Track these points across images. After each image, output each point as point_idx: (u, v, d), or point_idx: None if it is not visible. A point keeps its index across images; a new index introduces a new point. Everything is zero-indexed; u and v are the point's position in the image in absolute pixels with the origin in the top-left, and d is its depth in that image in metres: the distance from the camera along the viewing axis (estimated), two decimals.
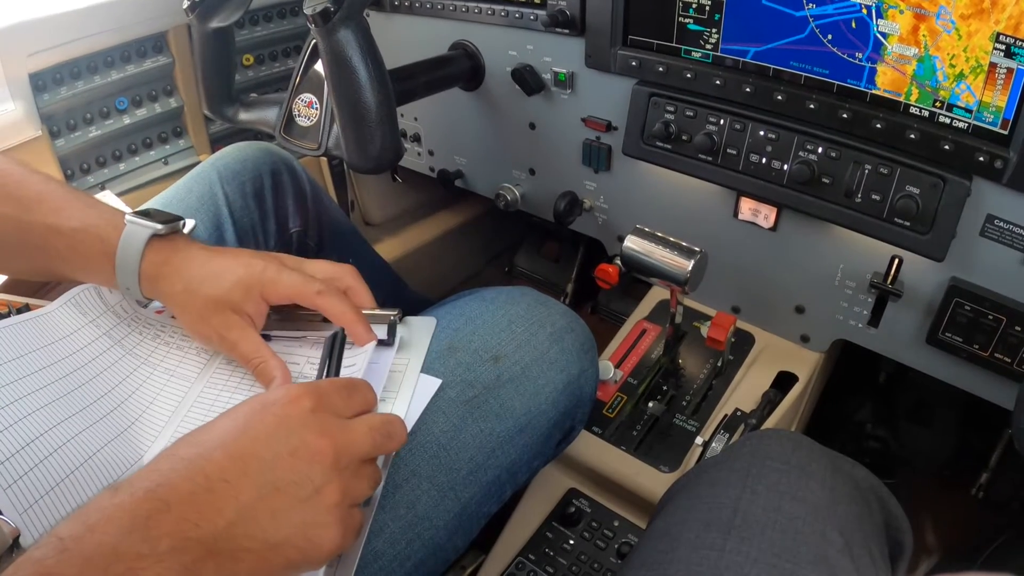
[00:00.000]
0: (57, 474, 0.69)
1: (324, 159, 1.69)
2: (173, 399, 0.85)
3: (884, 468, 1.41)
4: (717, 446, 1.05)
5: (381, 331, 0.84)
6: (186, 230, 0.90)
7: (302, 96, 1.08)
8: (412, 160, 1.60)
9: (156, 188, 1.35)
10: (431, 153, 1.55)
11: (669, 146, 1.09)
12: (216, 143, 1.55)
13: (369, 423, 0.65)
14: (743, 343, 1.23)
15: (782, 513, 0.69)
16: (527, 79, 1.21)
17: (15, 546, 0.63)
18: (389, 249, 1.75)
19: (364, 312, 0.85)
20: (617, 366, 1.20)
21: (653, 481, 1.08)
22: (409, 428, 0.77)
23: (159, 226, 0.84)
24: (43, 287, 0.97)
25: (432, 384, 0.83)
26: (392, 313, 0.86)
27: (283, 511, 0.57)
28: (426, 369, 0.85)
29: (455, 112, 1.41)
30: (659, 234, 1.01)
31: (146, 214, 0.85)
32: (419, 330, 0.89)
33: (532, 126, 1.30)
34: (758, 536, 0.67)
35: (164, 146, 1.52)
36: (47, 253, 0.85)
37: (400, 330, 0.87)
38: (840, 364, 1.21)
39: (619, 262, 1.20)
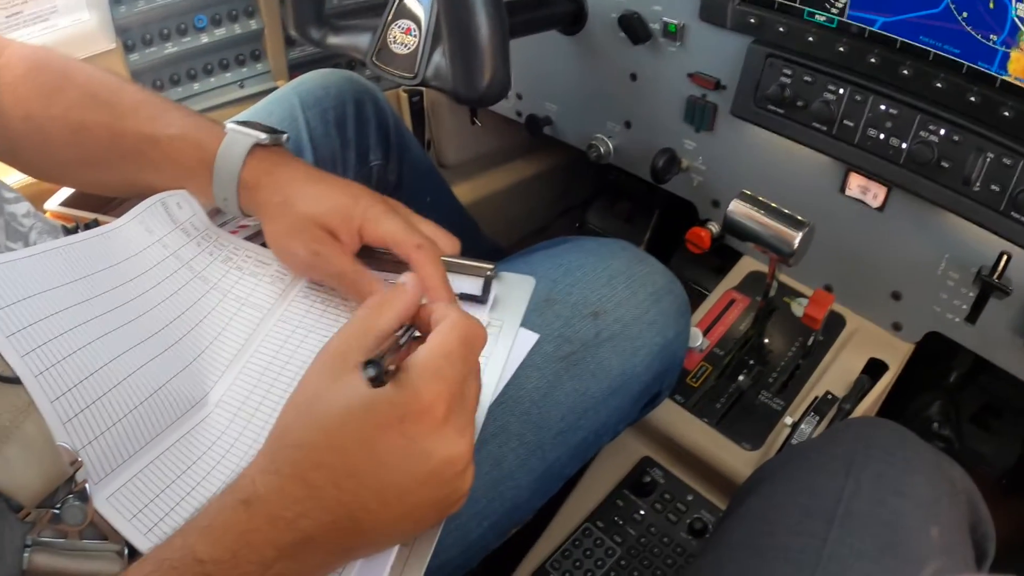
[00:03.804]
0: (120, 409, 0.70)
1: (404, 96, 1.74)
2: (243, 331, 0.85)
3: None
4: (806, 428, 1.09)
5: (475, 285, 0.85)
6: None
7: (399, 22, 1.09)
8: (499, 102, 1.61)
9: (229, 111, 1.40)
10: (519, 97, 1.58)
11: (782, 111, 1.11)
12: (294, 70, 1.60)
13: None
14: (833, 325, 1.27)
15: (887, 507, 0.71)
16: (635, 26, 1.23)
17: (72, 480, 0.65)
18: (460, 193, 1.78)
19: (459, 263, 0.86)
20: (704, 335, 1.25)
21: (734, 457, 1.14)
22: (503, 384, 0.80)
23: (263, 135, 0.87)
24: (108, 203, 1.00)
25: (529, 339, 0.85)
26: (488, 267, 0.86)
27: (425, 516, 0.60)
28: (523, 322, 0.85)
29: (550, 56, 1.44)
30: (767, 201, 1.05)
31: (246, 125, 0.88)
32: (516, 289, 0.88)
33: (633, 77, 1.33)
34: (861, 529, 0.69)
35: (241, 69, 1.58)
36: (139, 162, 0.88)
37: (495, 287, 0.87)
38: (912, 360, 1.25)
39: (712, 227, 1.25)
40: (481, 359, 0.77)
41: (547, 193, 2.11)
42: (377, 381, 0.54)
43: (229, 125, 0.88)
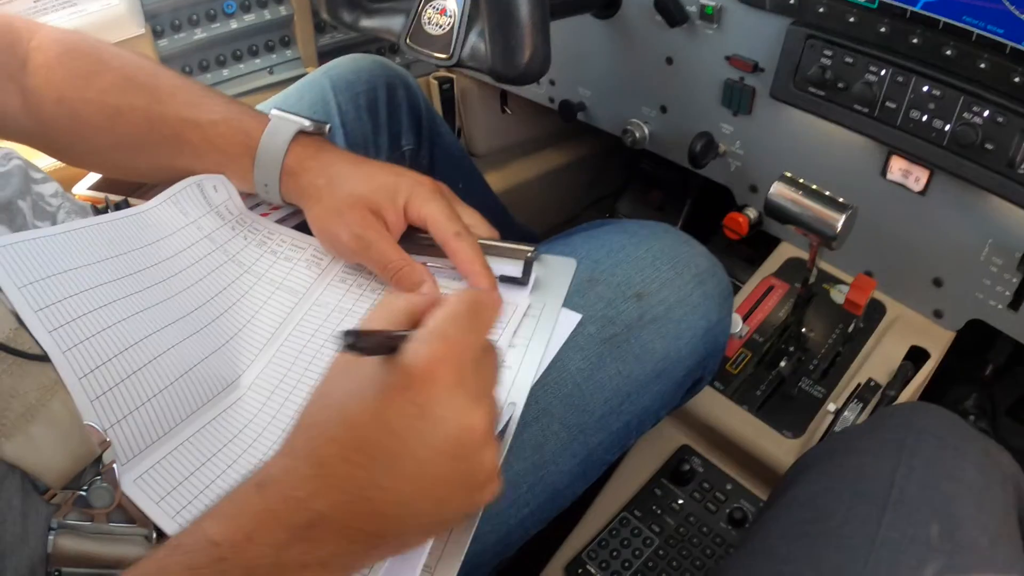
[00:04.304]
0: (151, 388, 0.70)
1: (434, 84, 1.75)
2: (277, 315, 0.86)
3: None
4: (850, 415, 1.09)
5: (516, 268, 0.86)
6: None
7: (434, 2, 1.09)
8: (531, 88, 1.63)
9: (259, 97, 1.41)
10: (552, 83, 1.58)
11: (823, 93, 1.11)
12: (324, 56, 1.61)
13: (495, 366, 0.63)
14: (873, 312, 1.27)
15: (939, 492, 0.71)
16: (671, 9, 1.23)
17: (99, 461, 0.66)
18: (490, 182, 1.79)
19: (499, 245, 0.87)
20: (743, 321, 1.25)
21: (775, 445, 1.14)
22: (545, 365, 0.80)
23: (307, 122, 0.88)
24: (138, 188, 1.00)
25: (572, 319, 0.85)
26: (529, 249, 0.87)
27: (447, 496, 0.57)
28: (565, 303, 0.85)
29: (584, 40, 1.44)
30: (808, 183, 1.04)
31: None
32: (557, 271, 0.88)
33: (669, 61, 1.33)
34: (914, 514, 0.69)
35: (270, 55, 1.59)
36: (177, 147, 0.89)
37: (536, 269, 0.87)
38: (948, 352, 1.24)
39: (750, 212, 1.25)
40: (522, 340, 0.79)
41: (578, 182, 2.11)
42: (354, 348, 0.52)
43: (274, 112, 0.90)
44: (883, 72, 1.05)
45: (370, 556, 0.58)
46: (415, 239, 0.87)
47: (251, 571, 0.51)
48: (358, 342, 0.52)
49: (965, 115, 0.99)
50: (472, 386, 0.57)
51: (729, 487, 1.18)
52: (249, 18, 1.53)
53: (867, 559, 0.66)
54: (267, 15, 1.54)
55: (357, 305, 0.87)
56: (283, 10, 1.56)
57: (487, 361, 0.61)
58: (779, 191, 1.05)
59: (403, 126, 1.23)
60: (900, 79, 1.03)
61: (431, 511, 0.57)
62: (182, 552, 0.52)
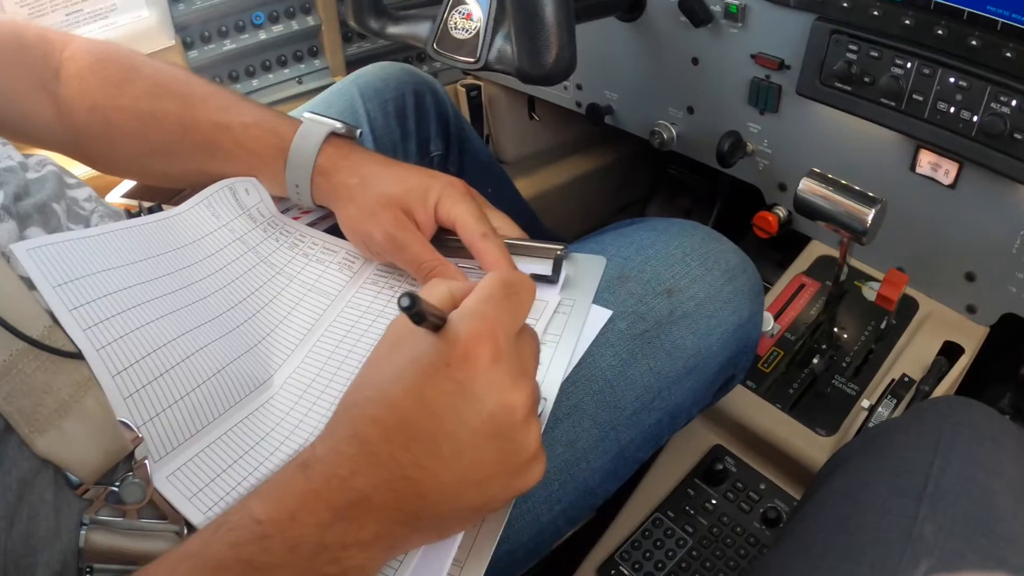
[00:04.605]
0: (183, 387, 0.71)
1: (462, 91, 1.76)
2: (309, 316, 0.87)
3: None
4: (884, 411, 1.09)
5: (545, 266, 0.85)
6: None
7: (459, 7, 1.10)
8: (558, 94, 1.65)
9: (288, 107, 1.43)
10: (579, 87, 1.59)
11: (849, 88, 1.11)
12: (352, 65, 1.62)
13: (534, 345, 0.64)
14: (906, 308, 1.27)
15: (977, 485, 0.71)
16: (695, 9, 1.24)
17: (131, 457, 0.66)
18: (518, 189, 1.81)
19: (529, 245, 0.88)
20: (774, 319, 1.25)
21: (808, 444, 1.14)
22: (576, 361, 0.81)
23: (339, 124, 0.90)
24: (173, 195, 1.01)
25: (602, 316, 0.85)
26: (558, 248, 0.87)
27: (488, 478, 0.57)
28: (595, 300, 0.85)
29: (609, 44, 1.45)
30: (837, 179, 1.05)
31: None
32: (587, 269, 0.88)
33: (695, 61, 1.34)
34: (952, 507, 0.68)
35: (299, 65, 1.62)
36: (210, 151, 0.91)
37: (565, 267, 0.86)
38: (981, 350, 1.24)
39: (779, 211, 1.25)
40: (552, 337, 0.79)
41: (605, 189, 2.11)
42: (414, 314, 0.53)
43: (305, 115, 0.92)
44: (909, 65, 1.05)
45: (410, 539, 0.58)
46: (444, 241, 0.88)
47: (294, 549, 0.51)
48: (416, 305, 0.52)
49: (993, 105, 0.99)
50: (511, 365, 0.57)
51: (763, 486, 1.17)
52: (277, 29, 1.56)
53: (904, 553, 0.66)
54: (295, 26, 1.57)
55: (389, 307, 0.87)
56: (311, 20, 1.58)
57: (526, 342, 0.61)
58: (808, 187, 1.05)
59: (431, 132, 1.24)
60: (926, 71, 1.03)
61: (471, 494, 0.57)
62: (227, 529, 0.53)
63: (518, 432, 0.57)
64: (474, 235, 0.84)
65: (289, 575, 0.52)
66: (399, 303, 0.52)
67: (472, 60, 1.08)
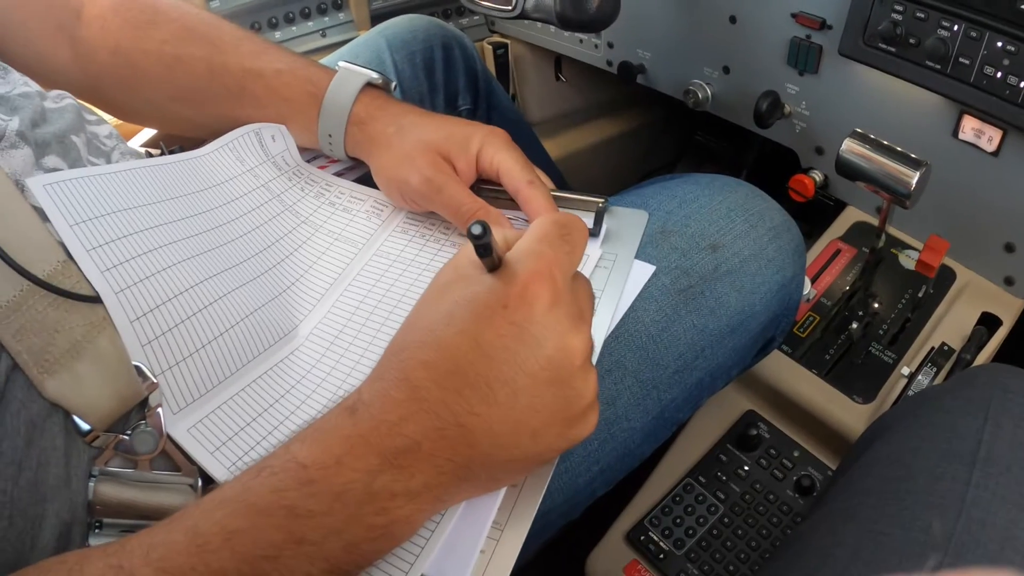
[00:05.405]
0: (205, 335, 0.70)
1: (488, 49, 1.76)
2: (336, 265, 0.86)
3: None
4: (923, 379, 1.09)
5: (586, 219, 0.82)
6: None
7: None
8: (587, 52, 1.64)
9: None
10: (610, 45, 1.58)
11: (893, 49, 1.10)
12: (376, 19, 1.62)
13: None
14: (943, 278, 1.26)
15: None
16: None
17: (145, 405, 0.65)
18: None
19: (569, 196, 0.87)
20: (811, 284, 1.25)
21: (844, 411, 1.13)
22: (619, 317, 0.80)
23: (375, 75, 0.89)
24: (195, 146, 1.01)
25: (646, 271, 0.85)
26: (599, 200, 0.86)
27: (544, 426, 0.56)
28: (637, 255, 0.84)
29: (643, 1, 1.44)
30: (881, 140, 1.04)
31: None
32: (629, 223, 0.87)
33: (733, 20, 1.32)
34: (1004, 473, 0.68)
35: (323, 18, 1.61)
36: (239, 97, 0.90)
37: (607, 220, 0.86)
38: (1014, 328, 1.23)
39: (816, 175, 1.25)
40: (596, 291, 0.78)
41: (631, 154, 2.11)
42: (483, 244, 0.52)
43: (341, 64, 0.91)
44: (956, 27, 1.03)
45: (460, 490, 0.57)
46: (480, 191, 0.87)
47: (340, 496, 0.51)
48: (487, 234, 0.52)
49: None
50: (570, 306, 0.56)
51: (796, 454, 1.17)
52: None
53: (958, 518, 0.65)
54: None
55: (421, 255, 0.86)
56: None
57: (581, 285, 0.61)
58: (851, 147, 1.04)
59: (459, 86, 1.24)
60: (973, 34, 1.02)
61: (526, 443, 0.56)
62: (269, 473, 0.52)
63: (576, 378, 0.56)
64: (520, 182, 0.83)
65: (333, 524, 0.51)
66: (469, 231, 0.51)
67: (508, 8, 1.07)
